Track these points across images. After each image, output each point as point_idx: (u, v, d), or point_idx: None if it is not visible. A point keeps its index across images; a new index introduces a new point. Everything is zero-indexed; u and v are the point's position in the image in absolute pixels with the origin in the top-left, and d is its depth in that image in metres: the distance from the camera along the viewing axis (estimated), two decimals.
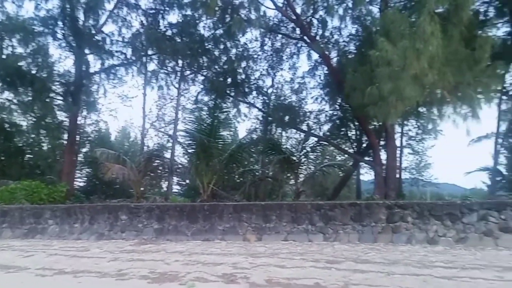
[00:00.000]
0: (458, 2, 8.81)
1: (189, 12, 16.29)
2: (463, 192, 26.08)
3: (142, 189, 15.44)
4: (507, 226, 9.13)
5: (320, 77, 18.52)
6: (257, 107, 18.75)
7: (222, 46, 16.45)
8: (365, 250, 8.68)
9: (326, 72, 17.07)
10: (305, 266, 6.93)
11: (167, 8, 16.92)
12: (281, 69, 19.63)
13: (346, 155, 22.74)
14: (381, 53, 8.95)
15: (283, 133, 21.73)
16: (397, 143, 23.88)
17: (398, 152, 24.54)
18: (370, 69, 9.93)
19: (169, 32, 17.01)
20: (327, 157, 27.06)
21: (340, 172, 21.20)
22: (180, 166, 17.34)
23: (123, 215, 11.71)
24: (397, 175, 23.78)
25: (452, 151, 69.63)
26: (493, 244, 8.99)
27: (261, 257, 7.89)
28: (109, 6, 17.51)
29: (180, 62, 18.07)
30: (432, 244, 9.25)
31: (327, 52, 15.50)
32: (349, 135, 20.11)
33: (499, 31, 14.86)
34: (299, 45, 17.71)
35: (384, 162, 14.13)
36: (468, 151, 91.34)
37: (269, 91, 19.88)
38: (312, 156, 16.53)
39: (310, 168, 16.99)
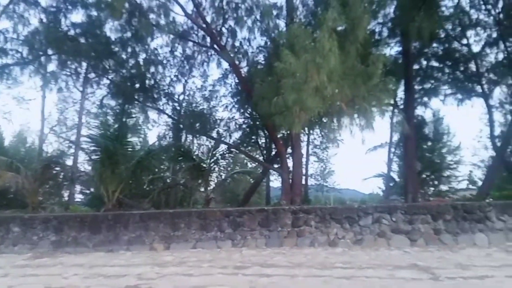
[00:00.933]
0: (354, 22, 9.53)
1: (94, 13, 15.47)
2: (362, 197, 28.22)
3: (40, 198, 14.28)
4: (398, 227, 9.97)
5: (230, 86, 18.80)
6: (167, 114, 18.36)
7: (130, 50, 15.85)
8: (271, 254, 8.92)
9: (236, 81, 17.31)
10: (212, 273, 6.94)
11: (69, 7, 15.80)
12: (193, 76, 19.56)
13: (256, 163, 23.21)
14: (285, 65, 9.35)
15: (195, 141, 21.59)
16: (304, 151, 25.14)
17: (304, 159, 25.81)
18: (277, 79, 10.29)
19: (71, 32, 15.91)
20: (238, 164, 27.43)
21: (251, 179, 21.60)
22: (83, 173, 16.34)
23: (16, 227, 10.63)
24: (303, 182, 24.97)
25: (353, 158, 74.81)
26: (386, 244, 9.74)
27: (168, 267, 7.75)
28: (3, 1, 15.96)
29: (84, 64, 17.04)
30: (332, 246, 9.78)
31: (237, 62, 15.73)
32: (260, 143, 20.58)
33: (393, 50, 16.46)
34: (209, 53, 17.72)
35: (291, 169, 14.69)
36: (367, 159, 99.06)
37: (180, 97, 19.63)
38: (222, 163, 16.66)
39: (221, 175, 17.10)
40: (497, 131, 18.93)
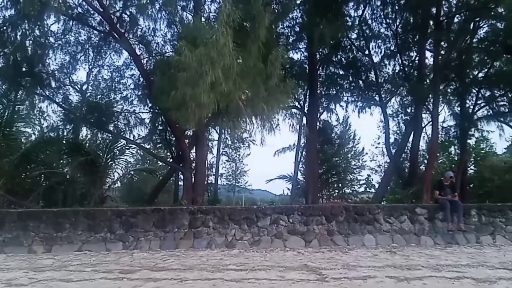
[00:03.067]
0: (257, 21, 9.42)
1: None
2: (272, 198, 28.71)
3: None
4: (294, 228, 10.06)
5: (132, 77, 17.83)
6: (58, 103, 16.69)
7: (17, 30, 14.12)
8: (164, 257, 8.51)
9: (138, 72, 16.29)
10: (94, 278, 6.34)
11: None
12: (90, 64, 18.26)
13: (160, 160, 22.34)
14: (181, 58, 8.96)
15: (99, 135, 20.11)
16: (215, 150, 24.97)
17: (215, 159, 25.64)
18: (177, 73, 9.85)
19: None
20: (148, 161, 26.42)
21: (159, 178, 20.82)
22: None
23: None
24: (214, 181, 24.78)
25: (266, 160, 76.78)
26: (282, 245, 9.75)
27: (45, 271, 6.97)
28: None
29: None
30: (229, 248, 9.58)
31: (139, 52, 14.96)
32: (168, 139, 19.82)
33: (303, 55, 16.83)
34: (108, 40, 16.45)
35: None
36: (280, 160, 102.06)
37: (75, 87, 18.13)
38: (125, 160, 15.66)
39: (127, 173, 16.15)
40: (392, 138, 20.32)
